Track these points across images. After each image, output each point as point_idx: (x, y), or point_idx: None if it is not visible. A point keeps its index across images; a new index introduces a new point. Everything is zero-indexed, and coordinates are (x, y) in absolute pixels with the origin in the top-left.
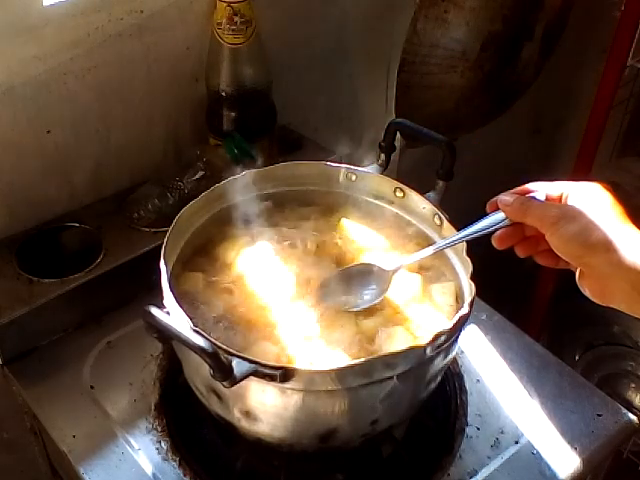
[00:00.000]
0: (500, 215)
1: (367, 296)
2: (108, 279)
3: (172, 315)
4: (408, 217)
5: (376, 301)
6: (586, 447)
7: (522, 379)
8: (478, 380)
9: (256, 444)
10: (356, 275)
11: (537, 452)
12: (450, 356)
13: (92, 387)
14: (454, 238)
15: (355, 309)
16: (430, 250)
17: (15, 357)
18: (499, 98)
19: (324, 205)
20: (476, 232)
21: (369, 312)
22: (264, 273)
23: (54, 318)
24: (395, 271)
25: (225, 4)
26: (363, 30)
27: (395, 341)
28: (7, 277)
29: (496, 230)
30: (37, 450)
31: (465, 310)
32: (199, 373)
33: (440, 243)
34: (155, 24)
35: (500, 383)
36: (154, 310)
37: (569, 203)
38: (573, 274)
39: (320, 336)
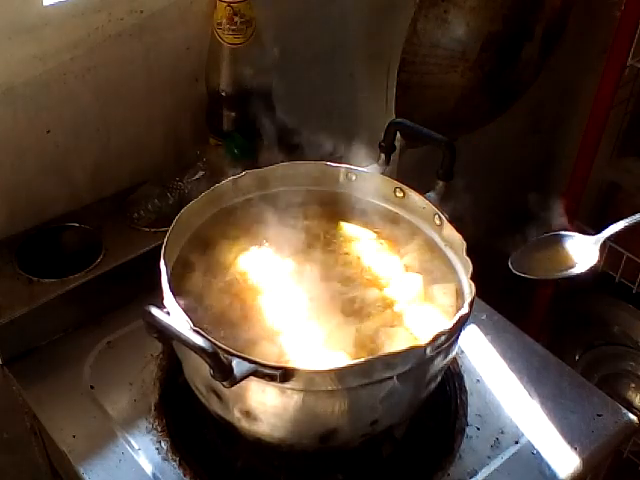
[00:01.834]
0: None
1: (573, 263)
2: (108, 279)
3: (172, 315)
4: (408, 217)
5: (582, 270)
6: (586, 447)
7: (522, 379)
8: (478, 380)
9: (256, 444)
10: (555, 244)
11: (537, 452)
12: (450, 356)
13: (92, 387)
14: None
15: (560, 275)
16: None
17: (15, 357)
18: (499, 98)
19: (324, 205)
20: None
21: (370, 313)
22: (264, 273)
23: (54, 318)
24: (601, 240)
25: (225, 4)
26: (363, 30)
27: (395, 341)
28: (7, 277)
29: None
30: (37, 450)
31: (465, 310)
32: (199, 373)
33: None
34: (155, 24)
35: (500, 383)
36: (154, 310)
37: None
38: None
39: (320, 336)
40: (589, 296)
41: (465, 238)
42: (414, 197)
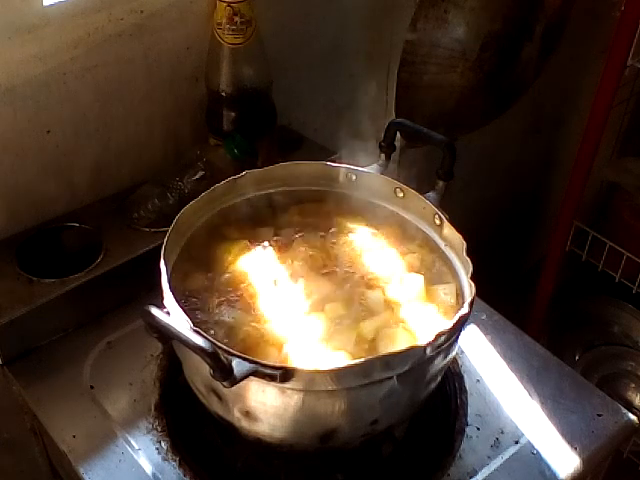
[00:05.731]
0: None
1: None
2: (108, 279)
3: (172, 315)
4: (408, 217)
5: None
6: (586, 447)
7: (522, 379)
8: (478, 380)
9: (256, 444)
10: None
11: (537, 452)
12: (450, 356)
13: (92, 387)
14: None
15: None
16: None
17: (15, 357)
18: (499, 98)
19: (324, 205)
20: None
21: (370, 312)
22: (264, 273)
23: (54, 318)
24: None
25: (225, 4)
26: (363, 30)
27: (395, 342)
28: (7, 277)
29: None
30: (37, 450)
31: (465, 310)
32: (199, 373)
33: None
34: (155, 24)
35: (500, 383)
36: (154, 310)
37: None
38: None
39: (321, 336)
40: (589, 296)
41: (465, 238)
42: (414, 197)
